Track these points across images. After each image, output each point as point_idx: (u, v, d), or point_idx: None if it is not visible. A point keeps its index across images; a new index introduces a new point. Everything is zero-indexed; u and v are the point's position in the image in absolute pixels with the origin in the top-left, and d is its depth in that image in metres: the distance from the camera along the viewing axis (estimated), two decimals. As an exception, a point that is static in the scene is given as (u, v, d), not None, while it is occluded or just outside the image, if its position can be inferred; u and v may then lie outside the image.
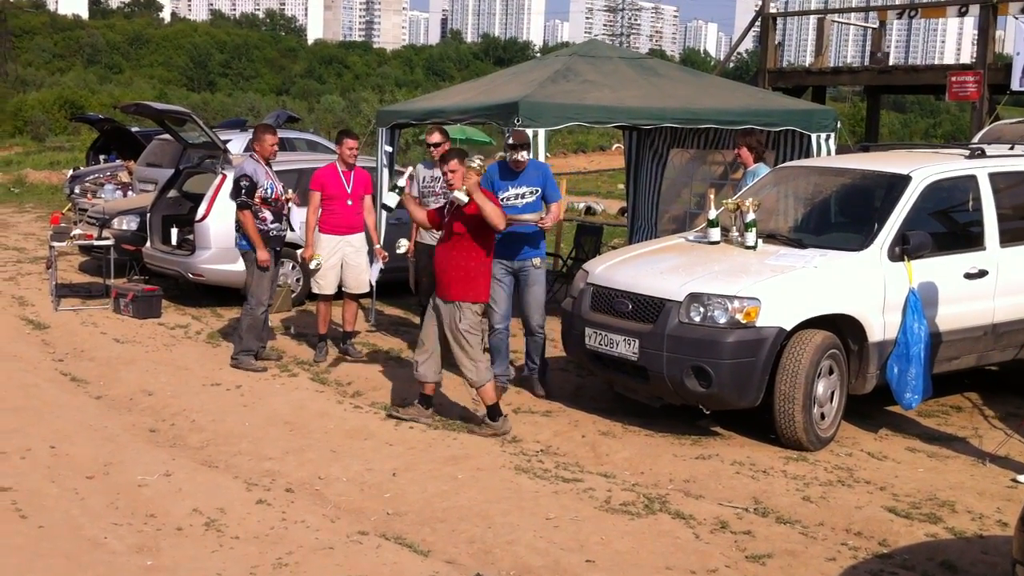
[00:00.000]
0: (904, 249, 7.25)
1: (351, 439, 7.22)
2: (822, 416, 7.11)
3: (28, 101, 55.77)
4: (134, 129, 19.85)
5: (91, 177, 17.96)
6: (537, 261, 8.15)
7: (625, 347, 7.29)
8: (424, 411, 7.59)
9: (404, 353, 9.70)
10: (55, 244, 11.94)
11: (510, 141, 8.10)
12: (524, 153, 8.05)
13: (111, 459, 6.69)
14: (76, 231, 12.40)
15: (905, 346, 7.07)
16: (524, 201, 8.07)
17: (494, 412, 7.35)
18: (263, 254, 8.90)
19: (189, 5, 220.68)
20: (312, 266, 9.22)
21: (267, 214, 9.03)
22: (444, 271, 7.31)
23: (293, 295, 11.57)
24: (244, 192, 8.85)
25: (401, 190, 7.47)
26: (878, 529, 5.73)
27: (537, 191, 8.10)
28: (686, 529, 5.71)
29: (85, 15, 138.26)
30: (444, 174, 7.34)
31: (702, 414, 7.40)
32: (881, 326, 7.23)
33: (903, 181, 7.73)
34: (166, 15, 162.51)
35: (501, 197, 7.83)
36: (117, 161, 18.99)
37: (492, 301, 7.81)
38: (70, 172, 20.34)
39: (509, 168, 8.14)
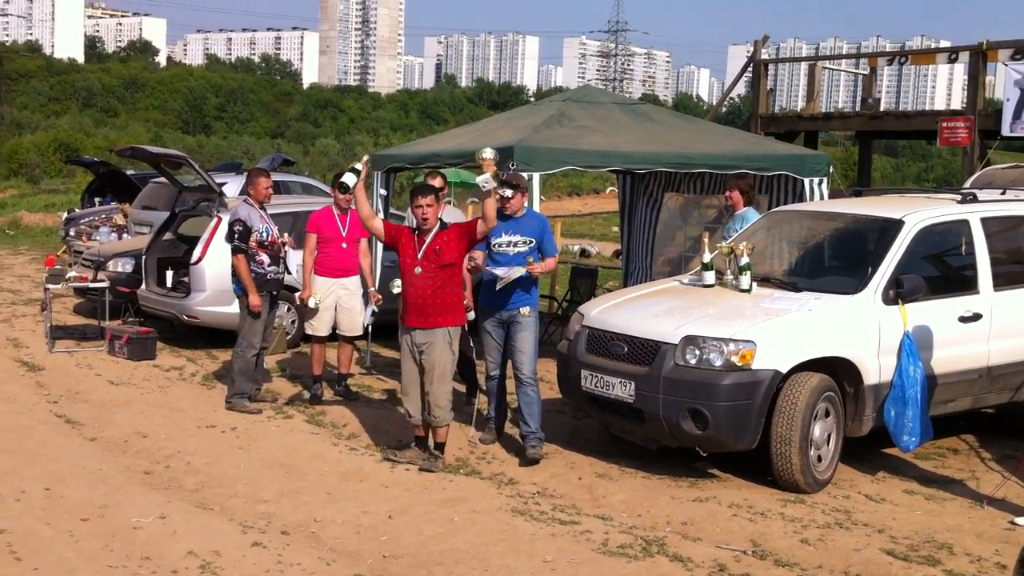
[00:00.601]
0: (898, 293, 7.29)
1: (346, 481, 7.20)
2: (819, 458, 7.11)
3: (23, 144, 55.94)
4: (129, 172, 19.95)
5: (86, 220, 17.99)
6: (526, 310, 7.81)
7: (621, 389, 7.30)
8: (422, 453, 7.59)
9: (399, 395, 9.67)
10: (50, 286, 11.94)
11: (502, 177, 7.82)
12: (509, 192, 7.66)
13: (106, 501, 6.66)
14: (71, 273, 12.41)
15: (901, 389, 7.08)
16: (516, 250, 7.76)
17: (442, 448, 7.64)
18: (255, 299, 8.92)
19: (185, 49, 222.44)
20: (311, 305, 9.24)
21: (264, 257, 9.06)
22: (433, 300, 7.35)
23: (288, 337, 11.57)
24: (238, 237, 8.89)
25: (358, 173, 7.41)
26: (876, 572, 5.72)
27: (532, 242, 7.80)
28: (684, 572, 5.69)
29: (81, 59, 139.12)
30: (416, 208, 7.42)
31: (699, 456, 7.40)
32: (876, 369, 7.25)
33: (896, 226, 7.79)
34: (162, 59, 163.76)
35: (493, 243, 7.74)
36: (112, 204, 19.05)
37: (486, 352, 7.91)
38: (65, 215, 20.37)
39: (502, 212, 7.72)
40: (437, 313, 7.40)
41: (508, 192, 7.68)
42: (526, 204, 8.03)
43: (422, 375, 7.48)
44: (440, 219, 7.54)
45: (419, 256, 7.37)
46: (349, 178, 7.45)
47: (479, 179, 7.26)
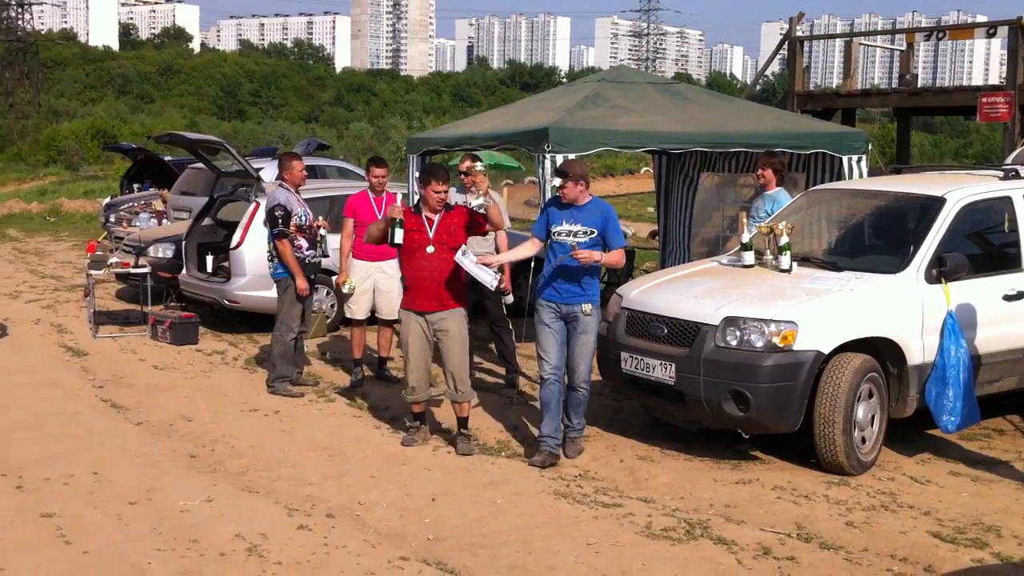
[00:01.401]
0: (941, 271, 7.22)
1: (389, 464, 7.25)
2: (863, 440, 7.06)
3: (61, 131, 56.58)
4: (167, 158, 20.09)
5: (126, 206, 18.18)
6: (588, 307, 7.19)
7: (662, 371, 7.28)
8: (423, 429, 7.80)
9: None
10: (92, 272, 12.08)
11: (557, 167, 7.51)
12: (558, 180, 7.27)
13: (153, 485, 6.75)
14: (113, 259, 12.54)
15: (943, 369, 7.01)
16: (574, 240, 7.19)
17: (466, 422, 7.68)
18: (302, 282, 8.98)
19: (218, 36, 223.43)
20: (345, 290, 9.29)
21: (302, 242, 9.12)
22: (442, 281, 7.39)
23: (328, 320, 11.63)
24: (280, 221, 8.94)
25: (401, 223, 7.38)
26: (923, 555, 5.68)
27: (594, 232, 7.16)
28: (728, 555, 5.68)
29: (116, 46, 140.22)
30: (435, 193, 7.41)
31: (741, 438, 7.37)
32: (920, 349, 7.18)
33: (938, 203, 7.70)
34: (195, 45, 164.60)
35: (553, 231, 7.28)
36: (151, 190, 19.22)
37: (541, 349, 7.29)
38: (105, 201, 20.58)
39: (560, 201, 7.33)
40: (452, 294, 7.45)
41: (557, 181, 7.30)
42: (589, 192, 7.35)
43: (430, 356, 7.61)
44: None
45: (431, 235, 7.40)
46: (400, 235, 7.38)
47: (476, 201, 7.35)
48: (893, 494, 6.65)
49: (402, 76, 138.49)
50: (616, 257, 7.29)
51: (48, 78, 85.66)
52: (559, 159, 9.02)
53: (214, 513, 6.28)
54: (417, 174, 11.30)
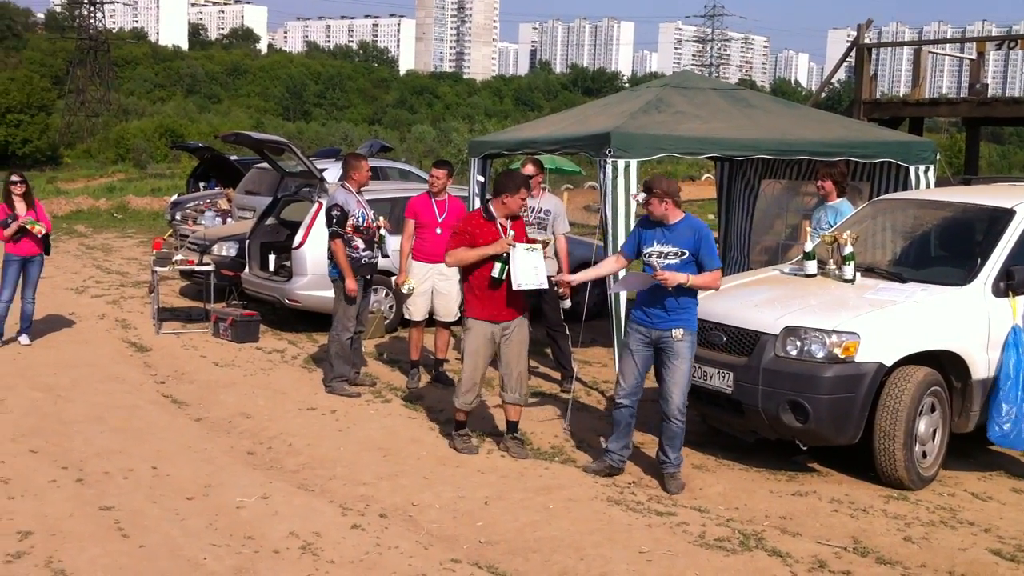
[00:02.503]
0: (1009, 285, 7.09)
1: (443, 466, 7.27)
2: (924, 454, 6.94)
3: (130, 129, 57.64)
4: (233, 157, 20.33)
5: (191, 204, 18.42)
6: (679, 332, 6.76)
7: (719, 380, 7.22)
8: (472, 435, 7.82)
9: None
10: (157, 269, 12.27)
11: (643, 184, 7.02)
12: (641, 196, 6.93)
13: (210, 481, 6.83)
14: (177, 256, 12.71)
15: (1000, 381, 6.88)
16: (665, 262, 6.79)
17: (516, 427, 7.69)
18: (351, 283, 9.04)
19: (285, 37, 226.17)
20: (405, 290, 9.34)
21: (359, 242, 9.18)
22: (504, 292, 7.35)
23: (386, 322, 11.70)
24: (335, 222, 9.01)
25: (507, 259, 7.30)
26: (982, 572, 5.57)
27: (685, 253, 6.76)
28: (783, 567, 5.61)
29: (185, 46, 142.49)
30: (521, 200, 7.45)
31: (798, 449, 7.28)
32: (985, 363, 7.05)
33: (1007, 215, 7.56)
34: (263, 46, 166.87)
35: (644, 252, 6.92)
36: (217, 188, 19.46)
37: (620, 372, 7.08)
38: (171, 199, 20.89)
39: (651, 221, 6.96)
40: (522, 301, 7.48)
41: (642, 196, 6.95)
42: (681, 210, 6.96)
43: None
44: None
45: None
46: (502, 272, 7.27)
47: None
48: (953, 510, 6.53)
49: (465, 79, 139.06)
50: (708, 279, 6.81)
51: (118, 76, 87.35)
52: (621, 164, 8.99)
53: (269, 510, 6.34)
54: (480, 178, 11.34)
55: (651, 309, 6.82)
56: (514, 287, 7.17)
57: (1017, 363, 6.82)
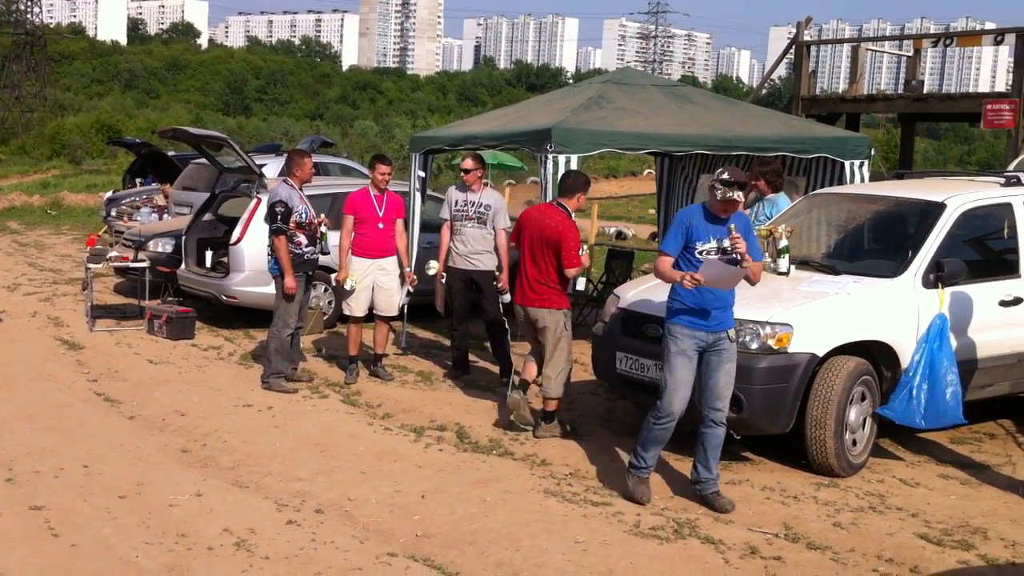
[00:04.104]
0: (938, 276, 7.21)
1: (380, 461, 7.25)
2: (854, 442, 7.06)
3: (66, 125, 56.60)
4: (170, 153, 20.09)
5: (127, 200, 18.17)
6: (732, 332, 6.45)
7: (656, 371, 7.25)
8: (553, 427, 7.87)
9: (434, 375, 9.73)
10: (91, 266, 12.09)
11: (724, 176, 6.26)
12: (739, 194, 6.26)
13: (143, 479, 6.75)
14: (112, 253, 12.53)
15: (917, 364, 6.97)
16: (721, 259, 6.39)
17: (551, 416, 7.84)
18: (290, 280, 8.97)
19: (226, 31, 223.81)
20: (347, 287, 9.30)
21: (302, 238, 9.11)
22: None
23: (325, 317, 11.63)
24: (280, 218, 8.94)
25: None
26: (910, 556, 5.68)
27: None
28: (715, 554, 5.67)
29: (123, 41, 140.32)
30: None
31: (732, 439, 7.35)
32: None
33: (938, 208, 7.71)
34: (203, 41, 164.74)
35: (699, 249, 6.37)
36: (153, 185, 19.22)
37: (675, 382, 6.38)
38: (107, 195, 20.58)
39: (712, 215, 6.41)
40: None
41: (738, 195, 6.24)
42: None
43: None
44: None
45: None
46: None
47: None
48: (882, 496, 6.65)
49: (408, 75, 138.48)
50: (758, 272, 6.51)
51: (55, 72, 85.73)
52: (562, 160, 9.03)
53: (203, 508, 6.27)
54: (421, 173, 11.29)
55: (715, 311, 6.33)
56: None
57: (930, 350, 6.92)
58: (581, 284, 8.27)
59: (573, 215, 7.80)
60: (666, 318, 6.53)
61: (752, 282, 6.53)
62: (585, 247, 8.10)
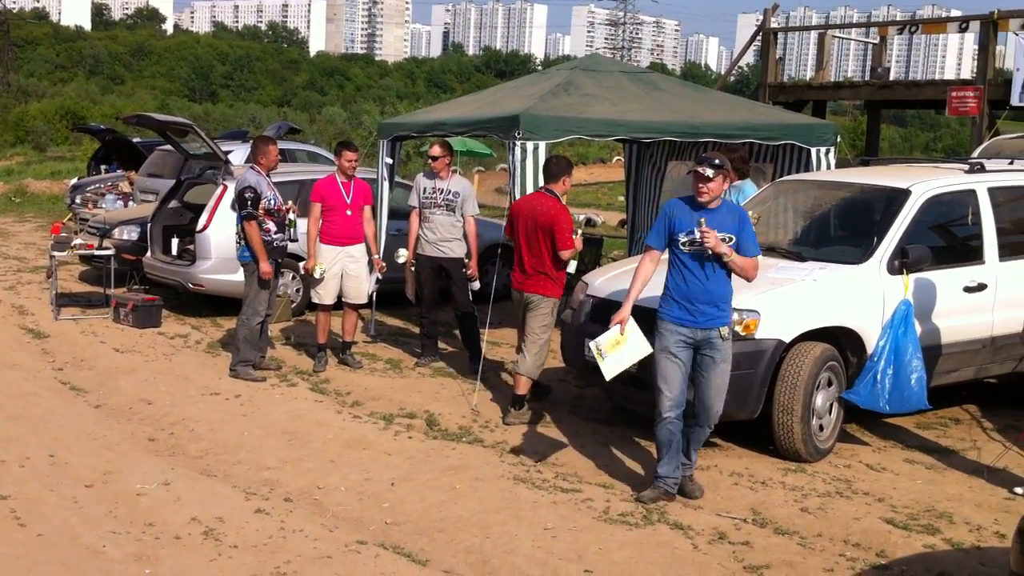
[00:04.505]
0: (903, 262, 7.27)
1: (350, 449, 7.23)
2: (821, 428, 7.11)
3: (30, 111, 55.84)
4: (135, 140, 19.90)
5: (92, 187, 17.96)
6: (725, 330, 6.16)
7: (624, 358, 7.27)
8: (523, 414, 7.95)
9: (403, 363, 9.71)
10: (56, 254, 11.96)
11: (704, 154, 6.23)
12: (710, 171, 6.01)
13: (110, 468, 6.70)
14: (77, 241, 12.42)
15: (882, 349, 7.02)
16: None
17: (520, 401, 7.92)
18: (265, 266, 8.92)
19: (192, 17, 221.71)
20: (317, 275, 9.25)
21: (270, 225, 9.06)
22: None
23: (293, 305, 11.58)
24: (250, 204, 8.88)
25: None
26: (876, 540, 5.74)
27: (732, 239, 6.10)
28: (684, 540, 5.71)
29: (88, 26, 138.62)
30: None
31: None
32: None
33: (903, 195, 7.76)
34: (168, 26, 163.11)
35: (682, 241, 6.11)
36: (118, 171, 19.02)
37: (663, 381, 6.17)
38: (71, 182, 20.35)
39: (693, 201, 6.18)
40: None
41: (709, 172, 6.00)
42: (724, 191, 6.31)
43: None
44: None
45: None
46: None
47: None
48: (848, 481, 6.71)
49: (377, 61, 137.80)
50: (748, 264, 6.15)
51: (18, 58, 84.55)
52: (530, 146, 9.03)
53: (171, 496, 6.24)
54: (388, 160, 11.25)
55: (700, 306, 6.08)
56: None
57: (895, 335, 6.97)
58: (572, 267, 8.33)
59: (563, 199, 7.93)
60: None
61: (747, 278, 6.25)
62: (579, 231, 8.19)
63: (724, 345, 6.17)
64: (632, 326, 6.31)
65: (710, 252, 6.02)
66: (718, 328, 6.12)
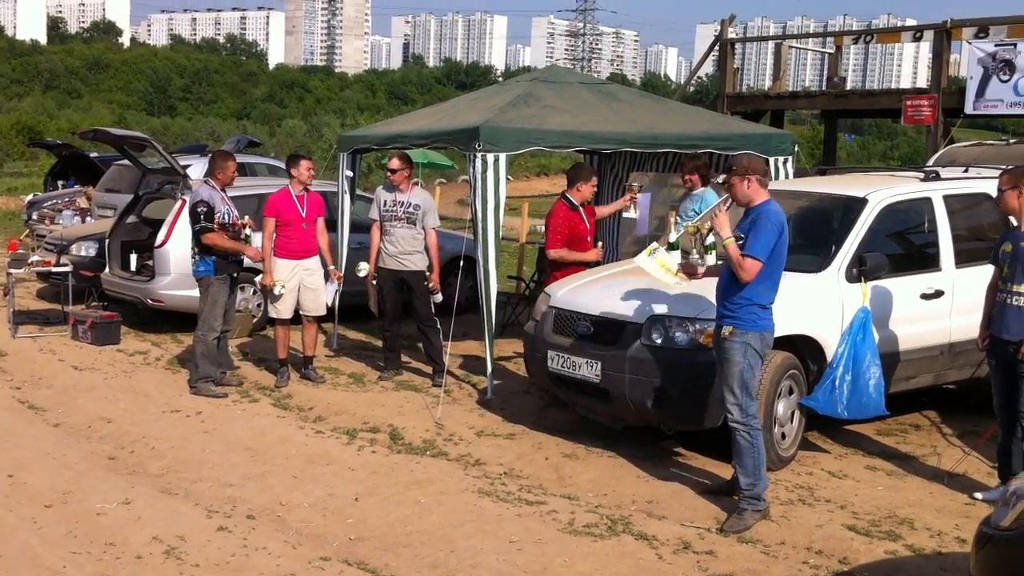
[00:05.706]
0: (861, 270, 7.34)
1: (313, 464, 7.18)
2: (783, 436, 7.16)
3: (-15, 127, 55.15)
4: (92, 155, 19.72)
5: (49, 203, 17.77)
6: (727, 330, 6.19)
7: (587, 369, 7.31)
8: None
9: (366, 377, 9.67)
10: (12, 271, 11.80)
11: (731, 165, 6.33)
12: (721, 176, 6.11)
13: (69, 487, 6.61)
14: (34, 257, 12.28)
15: (840, 356, 7.08)
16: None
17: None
18: (251, 251, 9.10)
19: (149, 30, 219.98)
20: (276, 291, 9.19)
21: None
22: None
23: (254, 320, 11.50)
24: (203, 217, 8.82)
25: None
26: (838, 547, 5.78)
27: (742, 238, 6.15)
28: (649, 550, 5.72)
29: (43, 40, 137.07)
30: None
31: (665, 435, 7.43)
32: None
33: (859, 204, 7.84)
34: (125, 40, 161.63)
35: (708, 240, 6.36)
36: (75, 187, 18.83)
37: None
38: (28, 198, 20.11)
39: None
40: None
41: (720, 178, 6.17)
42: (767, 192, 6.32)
43: None
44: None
45: (588, 227, 8.98)
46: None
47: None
48: (811, 488, 6.76)
49: (337, 73, 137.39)
50: (740, 260, 6.04)
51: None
52: (490, 158, 9.03)
53: (132, 515, 6.17)
54: (349, 173, 11.20)
55: (719, 304, 6.28)
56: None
57: (853, 342, 7.02)
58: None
59: (578, 204, 8.83)
60: None
61: (737, 275, 6.10)
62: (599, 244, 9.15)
63: (726, 344, 6.23)
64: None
65: (722, 247, 6.19)
66: (723, 327, 6.24)
